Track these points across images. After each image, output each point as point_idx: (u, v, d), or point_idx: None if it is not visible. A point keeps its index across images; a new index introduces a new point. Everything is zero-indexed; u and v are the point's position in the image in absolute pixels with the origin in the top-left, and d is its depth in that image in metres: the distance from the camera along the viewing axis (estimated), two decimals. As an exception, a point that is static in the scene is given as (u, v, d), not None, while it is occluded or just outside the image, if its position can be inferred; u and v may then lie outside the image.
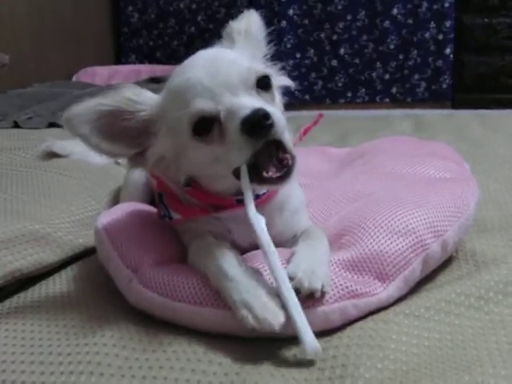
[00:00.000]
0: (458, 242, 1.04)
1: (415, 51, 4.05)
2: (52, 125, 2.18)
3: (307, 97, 4.22)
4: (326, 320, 0.84)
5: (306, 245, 0.94)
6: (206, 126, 0.87)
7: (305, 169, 1.51)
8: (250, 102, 0.86)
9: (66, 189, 1.44)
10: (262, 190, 0.97)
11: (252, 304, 0.80)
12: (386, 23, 4.07)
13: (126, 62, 4.51)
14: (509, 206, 1.38)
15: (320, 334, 0.83)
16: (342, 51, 4.14)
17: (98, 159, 1.69)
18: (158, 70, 3.78)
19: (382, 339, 0.82)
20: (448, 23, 3.96)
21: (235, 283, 0.83)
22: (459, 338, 0.84)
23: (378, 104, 4.12)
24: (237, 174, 0.89)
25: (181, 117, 0.88)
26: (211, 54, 0.95)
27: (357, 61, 4.14)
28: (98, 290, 1.05)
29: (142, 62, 4.50)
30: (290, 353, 0.82)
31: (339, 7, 4.11)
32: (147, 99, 0.94)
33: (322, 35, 4.16)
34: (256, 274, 0.86)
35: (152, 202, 1.25)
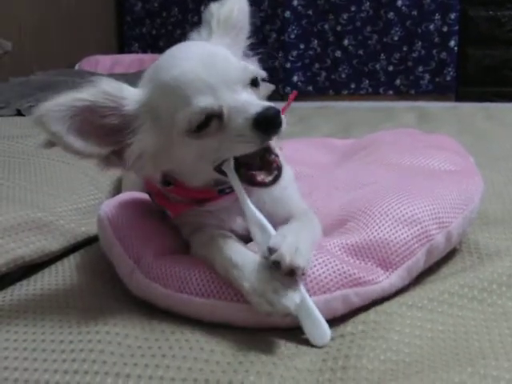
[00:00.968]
0: (462, 233, 1.04)
1: (419, 43, 4.03)
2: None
3: (310, 88, 4.20)
4: (328, 308, 0.84)
5: (295, 224, 0.93)
6: (204, 122, 0.86)
7: (307, 159, 1.51)
8: (252, 98, 0.88)
9: (68, 177, 1.44)
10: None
11: (263, 289, 0.80)
12: (391, 15, 4.04)
13: (129, 51, 4.49)
14: (512, 199, 1.37)
15: (323, 323, 0.83)
16: (345, 42, 4.12)
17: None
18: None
19: (385, 331, 0.82)
20: (453, 15, 3.93)
21: (244, 271, 0.83)
22: (462, 330, 0.84)
23: (382, 96, 4.10)
24: (219, 170, 0.90)
25: (176, 113, 0.86)
26: (203, 49, 0.92)
27: (361, 52, 4.12)
28: (100, 278, 1.05)
29: (144, 51, 4.48)
30: (294, 342, 0.82)
31: (343, -2, 4.09)
32: (128, 93, 0.89)
33: (326, 26, 4.14)
34: (263, 259, 0.85)
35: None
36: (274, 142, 0.89)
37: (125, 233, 1.00)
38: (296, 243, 0.83)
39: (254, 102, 0.87)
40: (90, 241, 1.23)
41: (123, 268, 0.97)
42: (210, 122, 0.86)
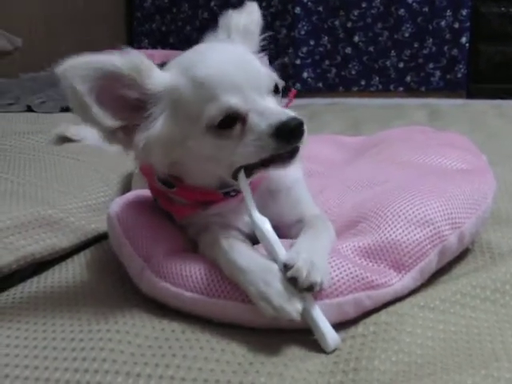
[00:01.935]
0: (474, 234, 1.03)
1: (430, 40, 4.01)
2: (65, 109, 2.18)
3: (320, 84, 4.19)
4: (340, 311, 0.83)
5: (308, 235, 0.92)
6: (228, 122, 0.86)
7: (318, 157, 1.50)
8: (276, 106, 0.90)
9: (78, 174, 1.44)
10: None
11: (268, 294, 0.79)
12: (402, 11, 4.02)
13: (139, 47, 4.49)
14: (525, 198, 1.36)
15: (334, 326, 0.83)
16: (356, 39, 4.11)
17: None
18: (171, 55, 3.75)
19: (397, 332, 0.81)
20: (464, 11, 3.91)
21: (249, 275, 0.83)
22: (475, 332, 0.83)
23: (392, 93, 4.08)
24: (235, 174, 0.90)
25: (203, 107, 0.86)
26: (236, 52, 0.95)
27: (371, 49, 4.10)
28: (110, 276, 1.05)
29: (154, 47, 4.48)
30: (304, 344, 0.81)
31: (354, -6, 4.07)
32: (156, 75, 0.89)
33: (337, 22, 4.12)
34: (268, 262, 0.85)
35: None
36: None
37: (134, 232, 0.99)
38: (312, 257, 0.82)
39: (279, 110, 0.88)
40: (100, 238, 1.23)
41: (133, 267, 0.97)
42: (235, 124, 0.87)
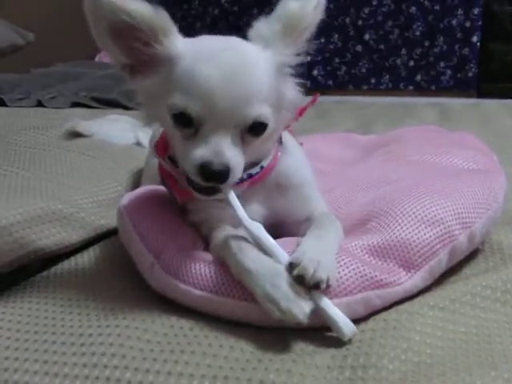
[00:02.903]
0: (485, 234, 1.03)
1: (441, 38, 4.00)
2: (75, 104, 2.18)
3: (330, 82, 4.19)
4: (349, 310, 0.83)
5: (315, 234, 0.92)
6: (182, 120, 0.88)
7: (328, 155, 1.50)
8: (225, 144, 0.87)
9: (88, 169, 1.44)
10: (256, 169, 0.98)
11: (275, 296, 0.79)
12: (413, 9, 4.01)
13: (149, 43, 4.50)
14: (536, 199, 1.35)
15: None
16: (366, 37, 4.10)
17: (120, 140, 1.71)
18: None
19: (406, 330, 0.81)
20: (476, 10, 3.90)
21: (256, 277, 0.82)
22: (485, 332, 0.83)
23: (402, 91, 4.08)
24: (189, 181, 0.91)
25: (176, 91, 0.87)
26: (244, 71, 0.88)
27: (381, 47, 4.10)
28: (119, 271, 1.05)
29: (164, 44, 4.48)
30: (313, 340, 0.81)
31: (365, -8, 4.06)
32: (173, 41, 0.90)
33: (347, 20, 4.12)
34: (276, 265, 0.84)
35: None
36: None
37: (145, 227, 0.99)
38: (318, 255, 0.82)
39: (218, 149, 0.86)
40: (110, 233, 1.23)
41: (143, 263, 0.97)
42: (186, 126, 0.88)
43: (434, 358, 0.77)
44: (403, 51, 4.06)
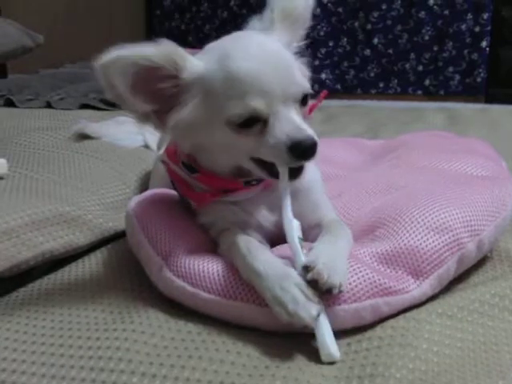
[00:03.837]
0: (493, 242, 1.02)
1: (450, 43, 3.99)
2: (84, 106, 2.19)
3: (338, 86, 4.18)
4: (357, 317, 0.83)
5: (327, 240, 0.92)
6: (249, 122, 0.88)
7: (336, 159, 1.50)
8: (297, 119, 0.89)
9: (96, 171, 1.44)
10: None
11: (283, 299, 0.79)
12: (422, 14, 4.00)
13: (158, 45, 4.50)
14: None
15: (351, 331, 0.83)
16: (375, 41, 4.09)
17: (128, 142, 1.71)
18: (189, 53, 3.75)
19: (414, 338, 0.80)
20: (485, 15, 3.88)
21: (265, 279, 0.82)
22: (492, 341, 0.83)
23: (411, 96, 4.07)
24: (258, 161, 0.92)
25: (228, 101, 0.88)
26: (275, 51, 0.92)
27: (390, 51, 4.09)
28: (127, 274, 1.05)
29: (173, 46, 4.49)
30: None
31: (374, -4, 4.06)
32: (189, 64, 0.90)
33: (356, 24, 4.11)
34: (286, 267, 0.85)
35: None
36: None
37: (153, 230, 0.99)
38: (332, 260, 0.83)
39: (298, 124, 0.88)
40: (118, 236, 1.23)
41: (151, 265, 0.97)
42: (254, 124, 0.88)
43: (442, 366, 0.76)
44: (412, 56, 4.05)
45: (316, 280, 0.80)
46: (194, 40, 4.51)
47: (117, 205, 1.31)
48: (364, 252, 0.91)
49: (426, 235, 0.92)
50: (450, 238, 0.93)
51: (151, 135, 1.71)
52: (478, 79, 3.96)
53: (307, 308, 0.78)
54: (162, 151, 1.16)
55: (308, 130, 0.88)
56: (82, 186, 1.33)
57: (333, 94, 3.95)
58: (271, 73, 0.88)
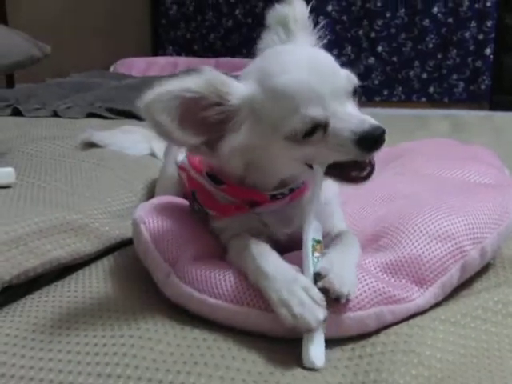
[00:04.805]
0: (496, 249, 1.03)
1: (454, 51, 4.00)
2: (90, 115, 2.21)
3: (343, 94, 4.19)
4: (361, 324, 0.84)
5: (339, 249, 0.93)
6: (310, 131, 0.86)
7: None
8: (356, 112, 0.88)
9: (103, 180, 1.46)
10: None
11: (289, 302, 0.80)
12: (426, 22, 4.02)
13: (163, 54, 4.53)
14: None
15: (355, 338, 0.84)
16: (379, 49, 4.11)
17: (134, 151, 1.73)
18: (195, 62, 3.78)
19: (417, 344, 0.81)
20: (489, 23, 3.89)
21: (273, 282, 0.83)
22: (495, 347, 0.83)
23: (415, 103, 4.08)
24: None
25: (283, 119, 0.86)
26: (311, 55, 0.92)
27: (394, 59, 4.11)
28: (133, 281, 1.06)
29: (178, 54, 4.52)
30: (326, 355, 0.81)
31: (378, 4, 4.07)
32: (234, 89, 0.88)
33: (360, 32, 4.13)
34: (295, 273, 0.85)
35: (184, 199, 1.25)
36: None
37: (160, 236, 1.00)
38: (342, 270, 0.84)
39: (360, 116, 0.87)
40: (124, 244, 1.24)
41: (158, 272, 0.97)
42: (315, 131, 0.86)
43: (445, 372, 0.77)
44: (416, 63, 4.06)
45: (327, 288, 0.81)
46: (200, 48, 4.54)
47: (123, 213, 1.32)
48: (369, 262, 0.92)
49: (428, 243, 0.93)
50: (452, 245, 0.94)
51: (157, 143, 1.73)
52: (482, 86, 3.97)
53: (314, 311, 0.79)
54: (180, 158, 1.15)
55: (372, 120, 0.86)
56: (89, 194, 1.34)
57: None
58: (316, 77, 0.86)
